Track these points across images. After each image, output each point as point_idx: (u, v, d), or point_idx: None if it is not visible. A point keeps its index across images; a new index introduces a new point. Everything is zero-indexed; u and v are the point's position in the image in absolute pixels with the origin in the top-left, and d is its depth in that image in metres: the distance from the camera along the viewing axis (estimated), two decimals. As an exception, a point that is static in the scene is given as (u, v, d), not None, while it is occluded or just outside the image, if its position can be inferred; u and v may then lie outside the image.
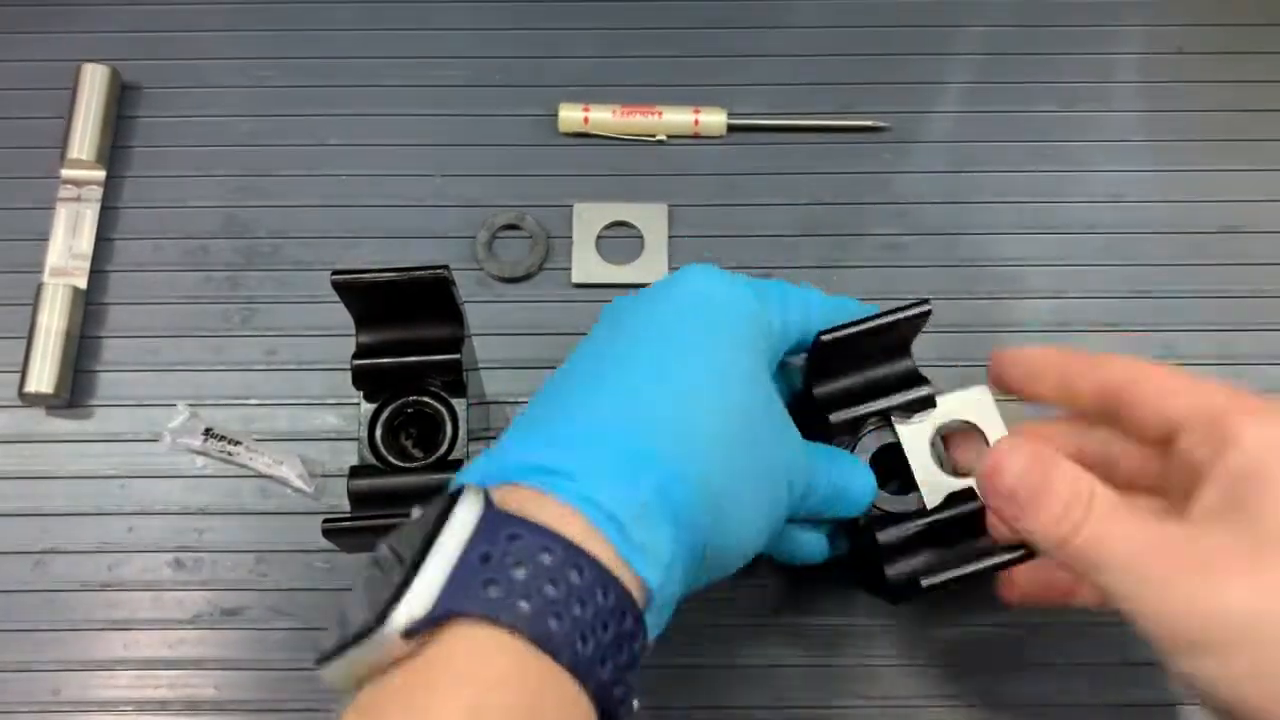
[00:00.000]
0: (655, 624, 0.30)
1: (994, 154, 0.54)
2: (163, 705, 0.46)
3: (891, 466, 0.41)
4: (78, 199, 0.52)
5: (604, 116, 0.54)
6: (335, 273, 0.39)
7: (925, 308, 0.39)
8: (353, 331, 0.41)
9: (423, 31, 0.56)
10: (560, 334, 0.51)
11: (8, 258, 0.52)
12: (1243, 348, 0.51)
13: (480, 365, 0.49)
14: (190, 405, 0.49)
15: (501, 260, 0.52)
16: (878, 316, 0.39)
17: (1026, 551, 0.37)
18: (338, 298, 0.40)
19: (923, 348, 0.42)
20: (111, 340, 0.51)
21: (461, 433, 0.41)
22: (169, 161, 0.54)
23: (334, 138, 0.54)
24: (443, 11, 0.57)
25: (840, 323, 0.39)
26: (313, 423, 0.50)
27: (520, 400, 0.50)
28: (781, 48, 0.56)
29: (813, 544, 0.41)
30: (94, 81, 0.53)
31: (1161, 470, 0.36)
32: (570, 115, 0.54)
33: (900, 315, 0.39)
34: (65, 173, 0.53)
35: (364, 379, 0.41)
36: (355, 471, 0.40)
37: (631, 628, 0.28)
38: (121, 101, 0.54)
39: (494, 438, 0.49)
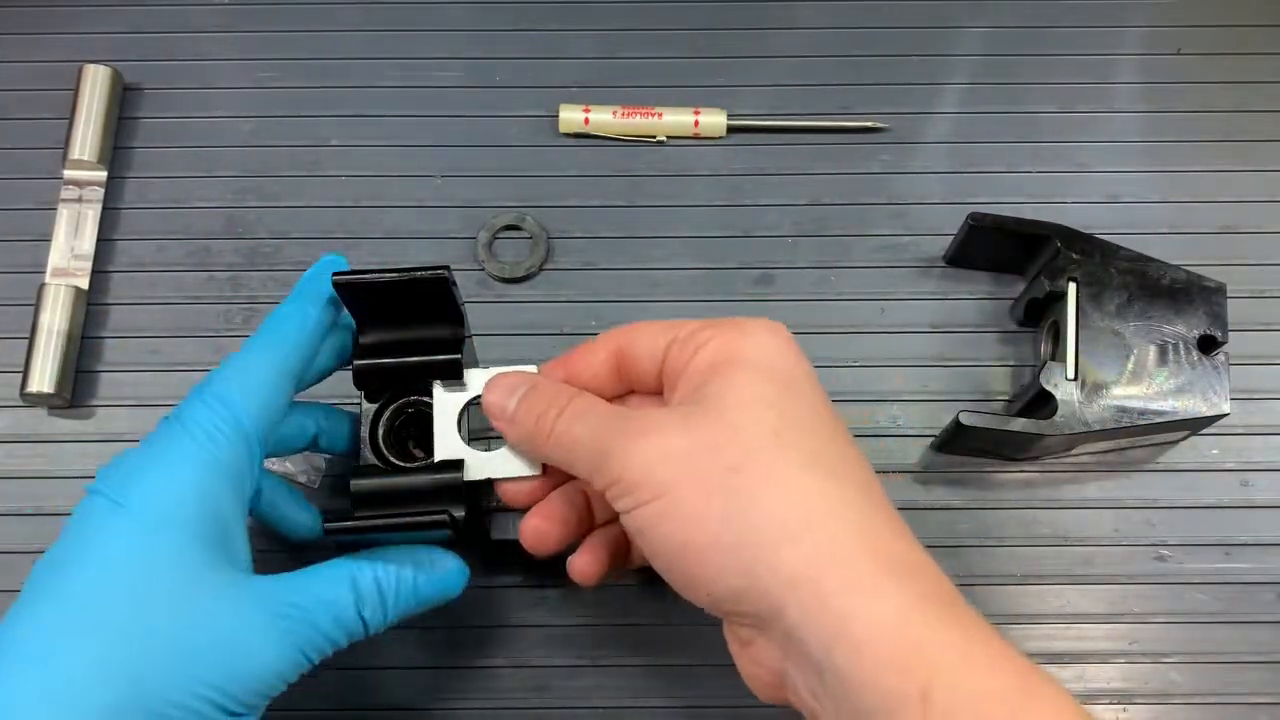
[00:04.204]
0: None
1: (994, 154, 0.54)
2: (164, 705, 0.46)
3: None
4: (79, 200, 0.52)
5: (604, 117, 0.54)
6: (336, 273, 0.39)
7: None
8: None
9: (423, 31, 0.57)
10: (560, 334, 0.51)
11: (9, 258, 0.52)
12: (1242, 348, 0.51)
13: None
14: (191, 405, 0.49)
15: (502, 261, 0.52)
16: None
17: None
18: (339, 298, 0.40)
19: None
20: (113, 340, 0.51)
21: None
22: (170, 162, 0.54)
23: (335, 138, 0.54)
24: (443, 11, 0.57)
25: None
26: (314, 423, 0.50)
27: (521, 400, 0.50)
28: (781, 49, 0.56)
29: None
30: (95, 82, 0.53)
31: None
32: (570, 116, 0.54)
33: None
34: (67, 173, 0.53)
35: (365, 379, 0.41)
36: (357, 471, 0.40)
37: None
38: (123, 102, 0.55)
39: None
